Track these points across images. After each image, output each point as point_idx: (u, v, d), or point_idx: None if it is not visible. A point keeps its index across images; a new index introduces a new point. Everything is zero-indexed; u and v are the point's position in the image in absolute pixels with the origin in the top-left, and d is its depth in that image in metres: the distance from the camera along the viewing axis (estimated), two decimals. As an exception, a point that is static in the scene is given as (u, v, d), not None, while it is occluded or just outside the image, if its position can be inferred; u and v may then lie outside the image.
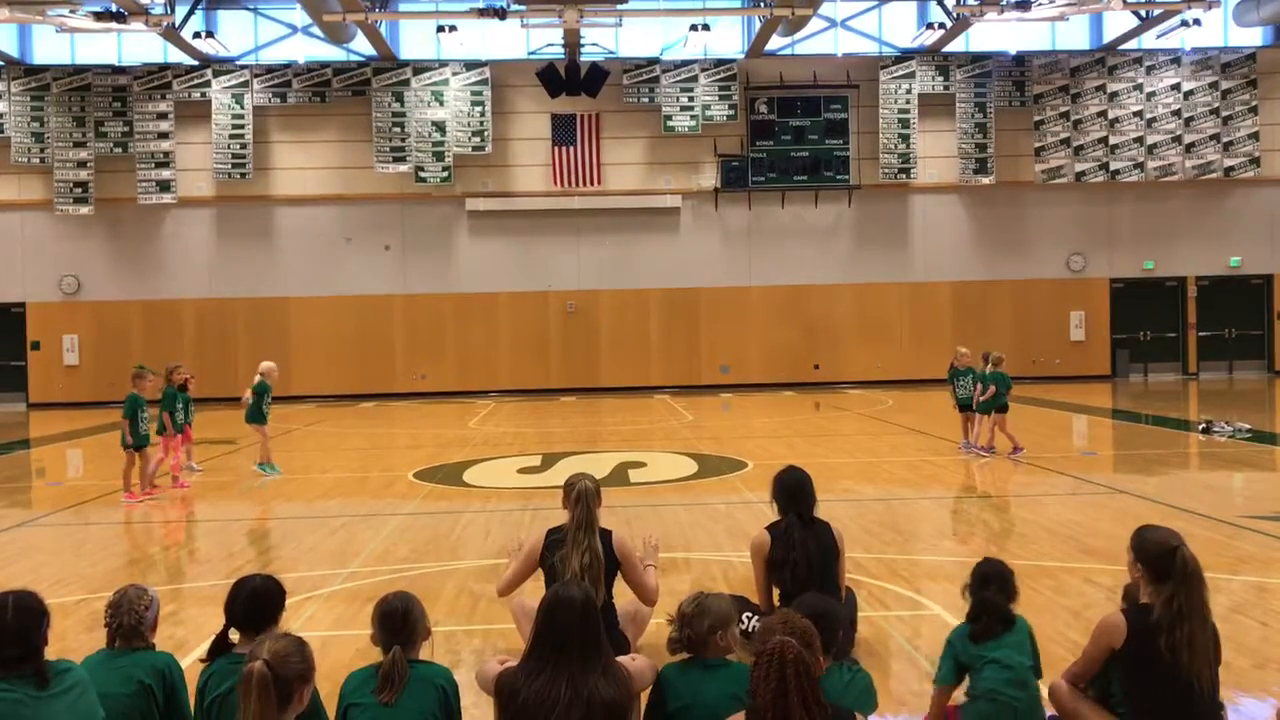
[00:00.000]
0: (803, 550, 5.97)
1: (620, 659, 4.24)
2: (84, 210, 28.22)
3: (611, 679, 4.00)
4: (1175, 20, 26.91)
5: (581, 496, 5.89)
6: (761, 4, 25.80)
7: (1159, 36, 28.20)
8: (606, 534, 5.96)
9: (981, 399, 14.87)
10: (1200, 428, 17.05)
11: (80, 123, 28.26)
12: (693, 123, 28.66)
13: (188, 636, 6.82)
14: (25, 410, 28.09)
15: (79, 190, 28.19)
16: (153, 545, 10.89)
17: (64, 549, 10.27)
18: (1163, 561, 4.40)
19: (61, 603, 7.42)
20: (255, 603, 4.41)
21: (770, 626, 3.67)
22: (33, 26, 27.69)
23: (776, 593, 6.12)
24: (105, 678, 4.16)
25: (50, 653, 3.94)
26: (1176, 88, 29.42)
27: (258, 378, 15.05)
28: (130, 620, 4.35)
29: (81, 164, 28.20)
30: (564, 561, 5.75)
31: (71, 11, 23.82)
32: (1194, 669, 4.28)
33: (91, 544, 10.54)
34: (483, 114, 28.48)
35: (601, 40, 28.50)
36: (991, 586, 4.88)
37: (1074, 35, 29.65)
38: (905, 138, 28.94)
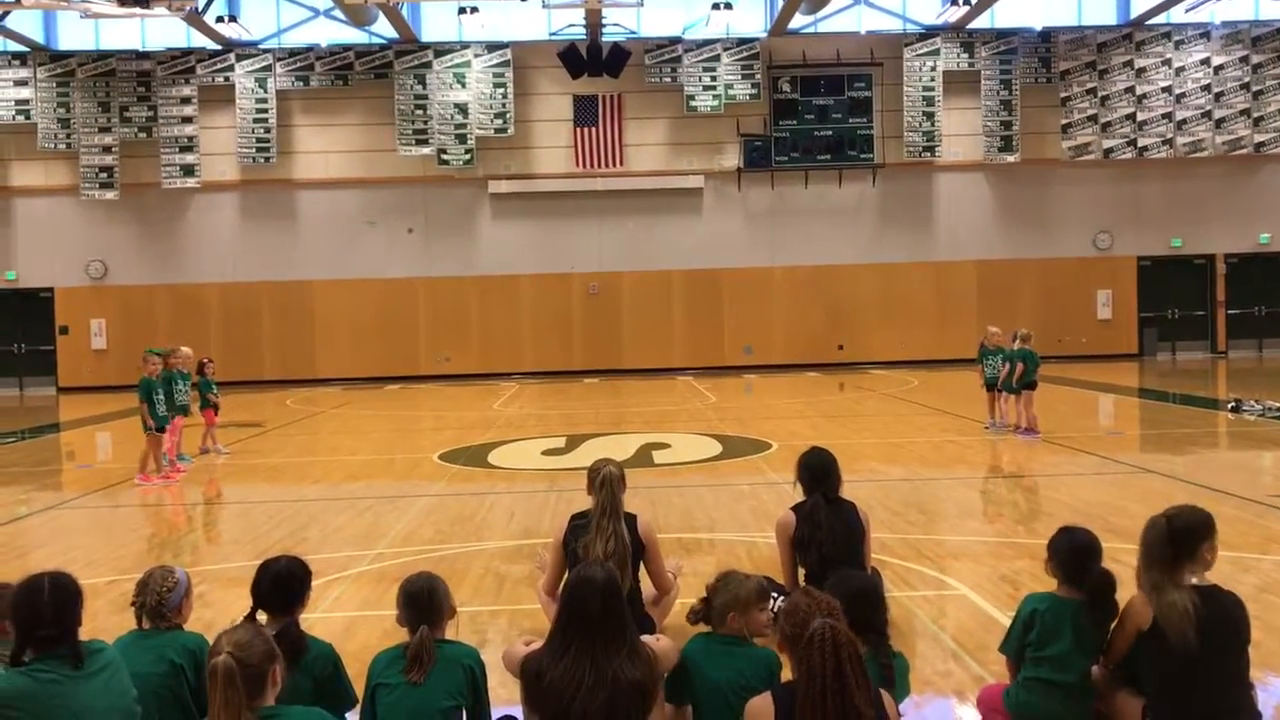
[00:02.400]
0: (828, 530, 5.97)
1: (645, 638, 4.24)
2: (109, 195, 28.40)
3: (636, 659, 3.99)
4: (1205, -7, 26.57)
5: (606, 482, 5.85)
6: (784, -18, 25.61)
7: (1188, 10, 27.80)
8: (632, 518, 5.95)
9: (1007, 377, 14.75)
10: (1229, 406, 16.90)
11: (105, 108, 28.42)
12: (715, 102, 28.51)
13: (215, 618, 6.87)
14: (55, 394, 28.39)
15: (104, 175, 28.37)
16: (181, 527, 11.01)
17: (95, 531, 10.40)
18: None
19: (93, 584, 7.49)
20: (281, 584, 4.44)
21: (801, 606, 3.64)
22: (58, 13, 27.84)
23: (802, 573, 6.11)
24: (137, 657, 4.21)
25: (82, 633, 3.98)
26: (1206, 62, 29.02)
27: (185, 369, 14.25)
28: (151, 600, 4.39)
29: (106, 149, 28.37)
30: (586, 549, 5.71)
31: (95, -3, 23.89)
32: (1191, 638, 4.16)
33: (121, 526, 10.67)
34: (504, 96, 28.43)
35: (623, 20, 28.35)
36: (1094, 560, 4.49)
37: (1100, 10, 29.28)
38: (930, 115, 28.69)
